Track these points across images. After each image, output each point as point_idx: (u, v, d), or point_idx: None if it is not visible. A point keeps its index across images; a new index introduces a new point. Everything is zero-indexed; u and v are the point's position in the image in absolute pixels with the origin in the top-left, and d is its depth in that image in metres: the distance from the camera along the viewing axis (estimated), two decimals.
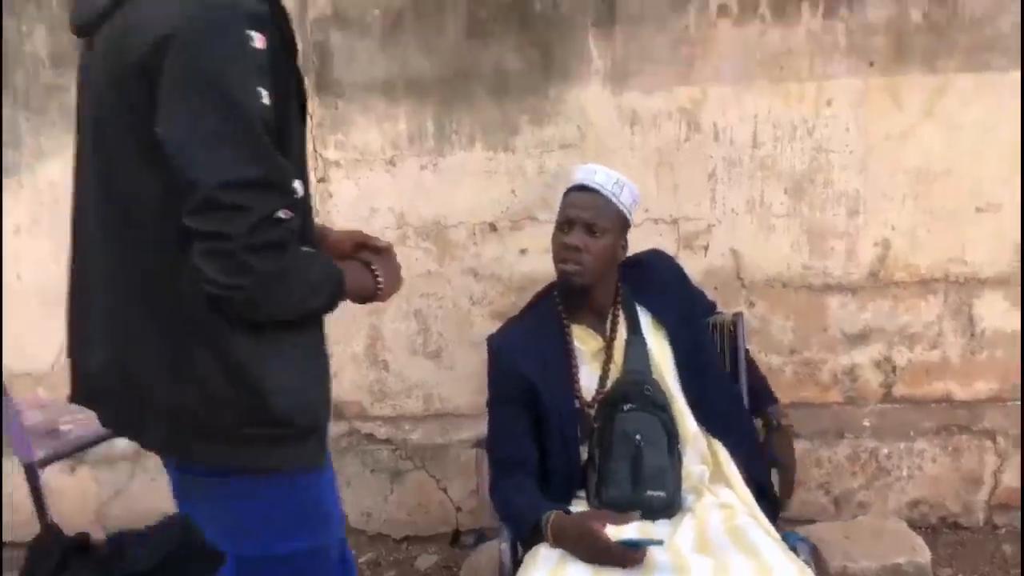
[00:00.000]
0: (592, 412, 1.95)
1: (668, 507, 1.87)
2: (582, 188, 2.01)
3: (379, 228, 2.83)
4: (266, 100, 1.19)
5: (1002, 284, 2.75)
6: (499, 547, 1.96)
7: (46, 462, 2.00)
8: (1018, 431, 2.78)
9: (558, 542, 1.76)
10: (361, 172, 2.81)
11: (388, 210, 2.83)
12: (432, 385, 2.94)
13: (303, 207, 1.31)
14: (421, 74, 2.73)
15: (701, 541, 1.79)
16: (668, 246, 2.78)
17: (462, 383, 2.92)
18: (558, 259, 1.99)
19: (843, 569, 2.35)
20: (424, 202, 2.82)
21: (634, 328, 2.01)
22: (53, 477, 2.78)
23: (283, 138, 1.25)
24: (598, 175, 2.01)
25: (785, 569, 1.67)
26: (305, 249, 1.32)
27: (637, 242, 2.81)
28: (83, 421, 2.02)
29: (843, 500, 2.86)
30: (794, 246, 2.77)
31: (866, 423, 2.83)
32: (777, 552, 1.74)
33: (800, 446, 2.74)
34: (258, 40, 1.19)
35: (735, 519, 1.85)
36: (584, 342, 1.99)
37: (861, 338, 2.82)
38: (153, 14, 1.21)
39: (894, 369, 2.82)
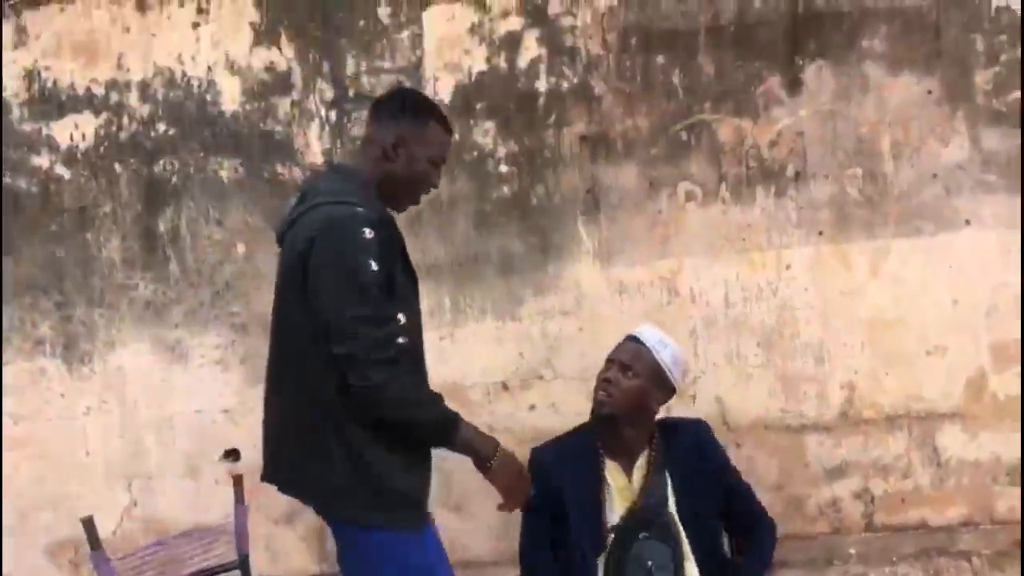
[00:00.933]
0: (611, 536, 2.25)
1: None
2: (631, 338, 2.38)
3: None
4: (374, 267, 1.81)
5: (959, 417, 3.09)
6: None
7: None
8: (991, 552, 3.05)
9: None
10: None
11: None
12: (455, 535, 3.22)
13: (409, 331, 1.89)
14: (438, 259, 3.19)
15: None
16: None
17: (483, 532, 3.21)
18: (595, 391, 2.35)
19: None
20: (444, 366, 3.19)
21: (659, 471, 2.32)
22: None
23: (391, 289, 1.86)
24: (646, 331, 2.40)
25: None
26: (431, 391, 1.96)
27: None
28: None
29: None
30: (771, 392, 3.14)
31: (852, 551, 3.10)
32: None
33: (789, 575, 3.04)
34: (368, 233, 1.82)
35: None
36: (613, 477, 2.32)
37: (839, 472, 3.13)
38: (309, 223, 1.91)
39: (872, 499, 3.12)
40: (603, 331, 3.12)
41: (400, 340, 1.84)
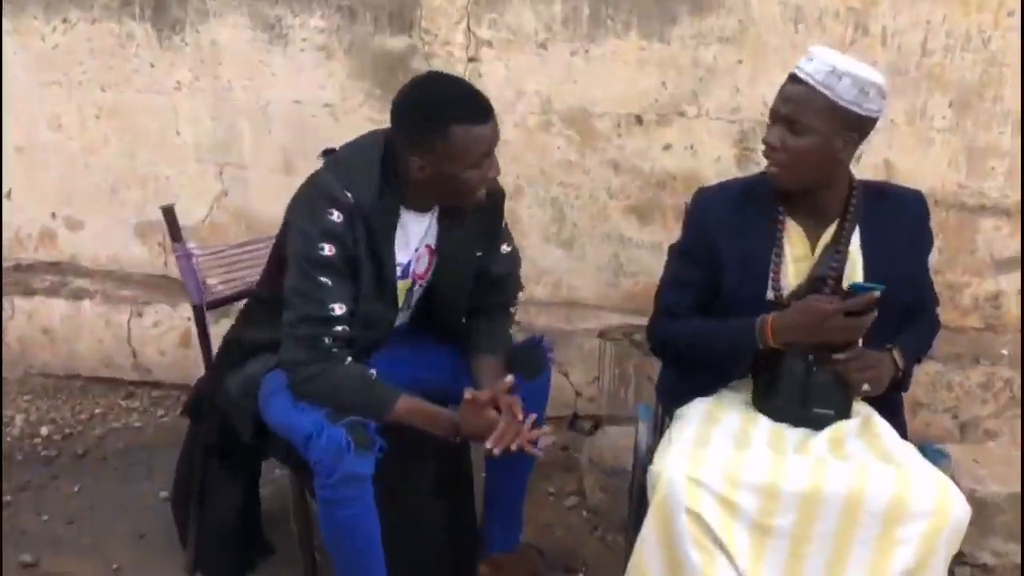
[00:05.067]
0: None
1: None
2: (792, 79, 1.78)
3: (524, 113, 2.84)
4: (327, 252, 1.75)
5: None
6: (636, 428, 2.00)
7: (213, 305, 2.11)
8: None
9: (779, 334, 1.78)
10: (512, 54, 2.80)
11: (535, 94, 2.83)
12: (562, 273, 2.98)
13: (350, 324, 1.80)
14: None
15: (835, 445, 1.80)
16: None
17: (591, 274, 2.96)
18: (765, 156, 1.86)
19: (970, 492, 2.32)
20: (571, 89, 2.80)
21: (849, 245, 1.87)
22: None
23: (349, 275, 1.79)
24: (812, 63, 1.75)
25: (926, 478, 1.67)
26: (359, 369, 1.82)
27: None
28: (229, 280, 2.13)
29: (969, 426, 2.81)
30: (952, 162, 2.67)
31: (1004, 352, 2.76)
32: (918, 461, 1.74)
33: (931, 368, 2.72)
34: (336, 216, 1.74)
35: (872, 428, 1.85)
36: (792, 242, 1.89)
37: (1008, 265, 2.72)
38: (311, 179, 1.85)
39: None
40: (766, 67, 2.65)
41: (336, 328, 1.77)
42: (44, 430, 2.87)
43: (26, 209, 3.19)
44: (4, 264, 3.23)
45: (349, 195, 1.74)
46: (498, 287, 2.04)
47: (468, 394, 1.79)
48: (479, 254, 1.97)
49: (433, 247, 1.93)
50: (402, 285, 1.92)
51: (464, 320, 2.06)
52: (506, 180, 2.93)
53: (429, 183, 1.78)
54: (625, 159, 2.84)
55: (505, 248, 2.04)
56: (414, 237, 1.89)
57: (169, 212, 2.08)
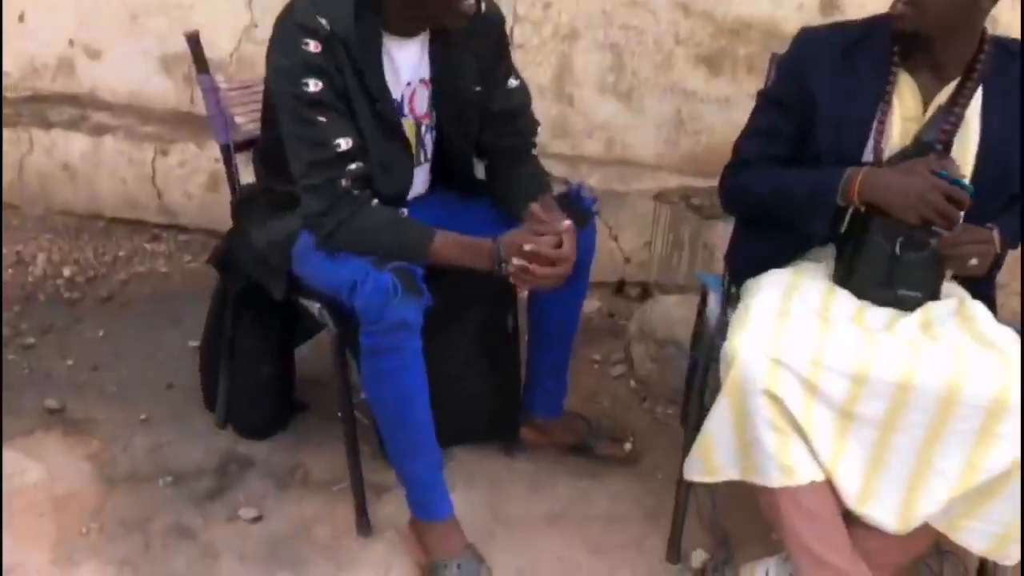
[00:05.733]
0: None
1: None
2: None
3: None
4: (312, 88, 1.56)
5: None
6: (702, 298, 1.83)
7: (242, 147, 1.92)
8: None
9: (867, 191, 1.59)
10: None
11: None
12: (617, 128, 2.74)
13: (358, 157, 1.62)
14: None
15: (927, 327, 1.62)
16: None
17: (650, 131, 2.72)
18: None
19: None
20: None
21: (966, 107, 1.64)
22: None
23: (342, 107, 1.61)
24: None
25: None
26: (388, 211, 1.67)
27: None
28: (253, 115, 1.92)
29: None
30: None
31: None
32: (1017, 345, 1.56)
33: None
34: (312, 46, 1.55)
35: (967, 310, 1.67)
36: (903, 98, 1.66)
37: None
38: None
39: None
40: None
41: (350, 166, 1.61)
42: (67, 271, 2.74)
43: (41, 35, 2.96)
44: (20, 94, 3.03)
45: (323, 22, 1.55)
46: (510, 126, 1.83)
47: (534, 208, 1.64)
48: (478, 88, 1.76)
49: (428, 80, 1.73)
50: (406, 125, 1.72)
51: (486, 170, 1.88)
52: (562, 20, 2.68)
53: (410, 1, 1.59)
54: (696, 1, 2.55)
55: (512, 82, 1.82)
56: (404, 68, 1.69)
57: (194, 39, 1.85)
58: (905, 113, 1.65)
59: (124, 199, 3.00)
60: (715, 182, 2.70)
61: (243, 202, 1.85)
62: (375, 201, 1.65)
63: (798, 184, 1.69)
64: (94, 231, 2.99)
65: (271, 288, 1.76)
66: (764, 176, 1.75)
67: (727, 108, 2.64)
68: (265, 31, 2.75)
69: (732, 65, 2.61)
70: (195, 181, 2.92)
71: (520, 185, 1.79)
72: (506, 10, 2.63)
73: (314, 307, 1.75)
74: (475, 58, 1.73)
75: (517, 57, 2.71)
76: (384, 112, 1.65)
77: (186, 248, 2.92)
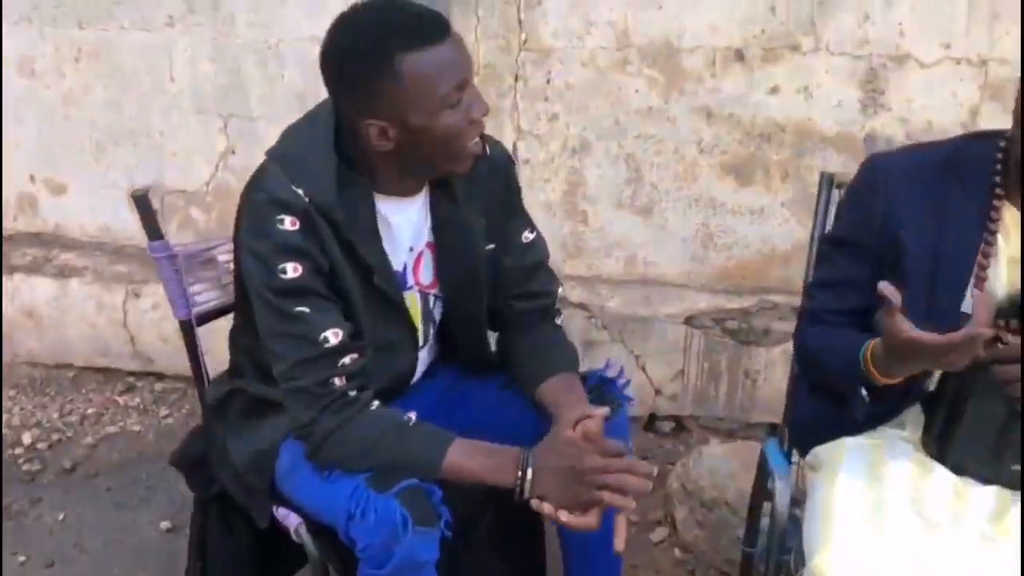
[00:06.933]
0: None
1: None
2: None
3: (593, 48, 2.29)
4: (291, 274, 1.28)
5: None
6: (775, 480, 1.51)
7: (206, 318, 1.62)
8: None
9: (887, 364, 1.26)
10: None
11: (607, 24, 2.27)
12: (638, 245, 2.45)
13: (351, 348, 1.32)
14: None
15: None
16: (969, 94, 2.16)
17: (675, 247, 2.43)
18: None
19: None
20: (654, 16, 2.25)
21: None
22: None
23: (329, 290, 1.33)
24: None
25: None
26: (391, 414, 1.34)
27: (930, 87, 2.20)
28: (229, 283, 1.62)
29: None
30: None
31: None
32: None
33: None
34: (289, 223, 1.28)
35: None
36: (1010, 236, 1.36)
37: None
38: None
39: None
40: None
41: (343, 362, 1.31)
42: (27, 437, 2.43)
43: None
44: None
45: (301, 192, 1.28)
46: (526, 288, 1.52)
47: (578, 428, 1.31)
48: (491, 246, 1.47)
49: (433, 243, 1.45)
50: (410, 300, 1.43)
51: (499, 342, 1.57)
52: (571, 133, 2.42)
53: (400, 152, 1.30)
54: (720, 105, 2.29)
55: (527, 235, 1.52)
56: (403, 232, 1.40)
57: (142, 201, 1.56)
58: (1013, 252, 1.35)
59: (94, 346, 2.71)
60: (751, 301, 2.46)
61: (217, 397, 1.53)
62: (375, 403, 1.34)
63: (836, 352, 1.38)
64: (62, 383, 2.69)
65: (253, 515, 1.45)
66: (819, 335, 1.45)
67: (760, 219, 2.36)
68: (243, 158, 2.53)
69: (764, 173, 2.33)
70: (171, 324, 2.58)
71: (541, 361, 1.48)
72: (508, 132, 2.39)
73: (291, 522, 1.43)
74: (484, 208, 1.44)
75: (523, 175, 2.46)
76: (384, 288, 1.36)
77: (162, 400, 2.62)
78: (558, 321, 1.56)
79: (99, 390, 2.66)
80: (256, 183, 1.31)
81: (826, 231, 1.59)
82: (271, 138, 1.38)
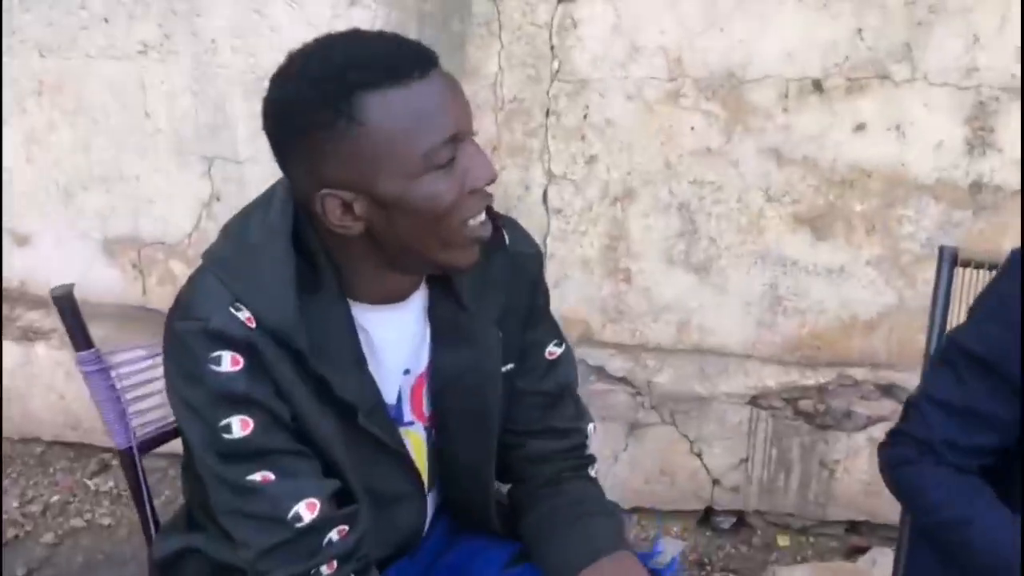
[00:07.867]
0: None
1: None
2: None
3: (640, 79, 1.92)
4: (240, 432, 0.93)
5: None
6: None
7: (150, 446, 1.27)
8: None
9: None
10: None
11: (658, 50, 1.90)
12: (692, 309, 2.07)
13: (334, 521, 0.97)
14: None
15: None
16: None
17: (737, 312, 2.05)
18: None
19: None
20: (714, 41, 1.87)
21: None
22: None
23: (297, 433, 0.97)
24: None
25: None
26: None
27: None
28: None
29: None
30: None
31: None
32: None
33: None
34: (228, 363, 0.92)
35: None
36: None
37: None
38: None
39: None
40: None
41: (329, 536, 0.96)
42: None
43: None
44: None
45: (244, 315, 0.92)
46: (549, 423, 1.13)
47: None
48: (508, 366, 1.09)
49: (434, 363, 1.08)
50: (410, 439, 1.07)
51: (510, 495, 1.19)
52: (612, 177, 2.04)
53: (373, 237, 0.94)
54: (792, 146, 1.91)
55: (553, 349, 1.14)
56: (394, 352, 1.04)
57: (65, 297, 1.21)
58: None
59: (65, 420, 2.38)
60: (827, 377, 2.08)
61: (167, 563, 1.17)
62: None
63: (986, 536, 1.06)
64: (27, 462, 2.37)
65: None
66: (951, 488, 1.10)
67: (840, 280, 1.98)
68: (230, 205, 2.18)
69: (845, 225, 1.95)
70: None
71: (577, 536, 1.08)
72: (538, 176, 2.01)
73: None
74: (500, 317, 1.07)
75: (554, 227, 2.10)
76: (375, 428, 1.00)
77: None
78: (592, 472, 1.17)
79: (68, 469, 2.33)
80: (182, 305, 0.95)
81: (953, 328, 1.21)
82: (262, 183, 1.02)
